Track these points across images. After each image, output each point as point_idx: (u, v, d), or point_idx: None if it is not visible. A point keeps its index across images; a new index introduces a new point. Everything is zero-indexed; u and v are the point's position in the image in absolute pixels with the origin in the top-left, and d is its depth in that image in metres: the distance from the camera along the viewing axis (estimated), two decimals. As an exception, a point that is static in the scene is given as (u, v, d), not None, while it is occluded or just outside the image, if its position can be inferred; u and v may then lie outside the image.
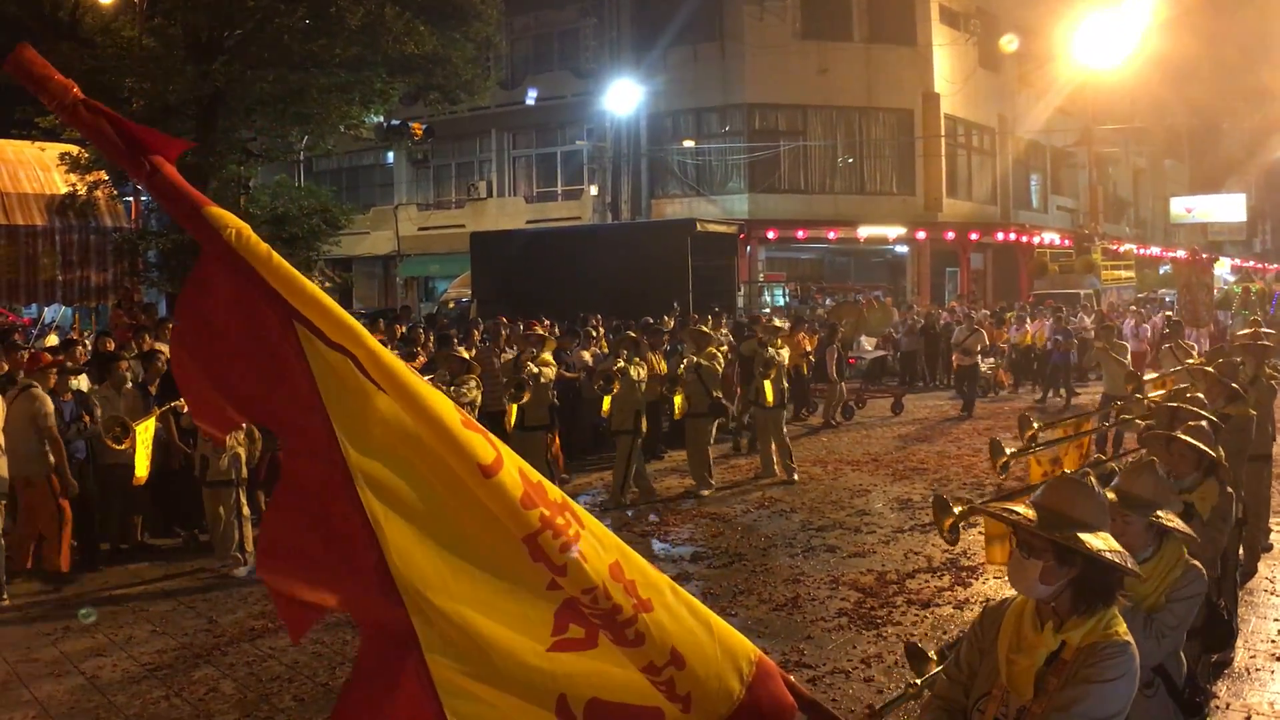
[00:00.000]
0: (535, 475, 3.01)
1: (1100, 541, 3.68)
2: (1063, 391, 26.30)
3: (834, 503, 15.20)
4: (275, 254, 2.80)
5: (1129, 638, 3.71)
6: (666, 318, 19.31)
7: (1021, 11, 42.07)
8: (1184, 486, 6.54)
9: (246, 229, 2.79)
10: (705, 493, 15.87)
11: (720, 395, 16.36)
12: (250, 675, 8.93)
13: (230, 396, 2.85)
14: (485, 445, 2.89)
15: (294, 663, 9.13)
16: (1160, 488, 4.99)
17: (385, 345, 2.91)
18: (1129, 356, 19.81)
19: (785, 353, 17.31)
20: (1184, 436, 6.62)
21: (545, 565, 2.91)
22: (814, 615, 10.18)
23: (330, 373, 2.78)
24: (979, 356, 23.05)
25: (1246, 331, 14.65)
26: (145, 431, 11.77)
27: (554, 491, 3.04)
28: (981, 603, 10.39)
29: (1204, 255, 35.43)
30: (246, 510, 12.24)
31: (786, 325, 19.34)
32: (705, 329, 17.31)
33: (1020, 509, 3.82)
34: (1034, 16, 42.15)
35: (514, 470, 2.91)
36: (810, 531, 13.50)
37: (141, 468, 11.85)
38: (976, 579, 11.21)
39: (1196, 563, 5.07)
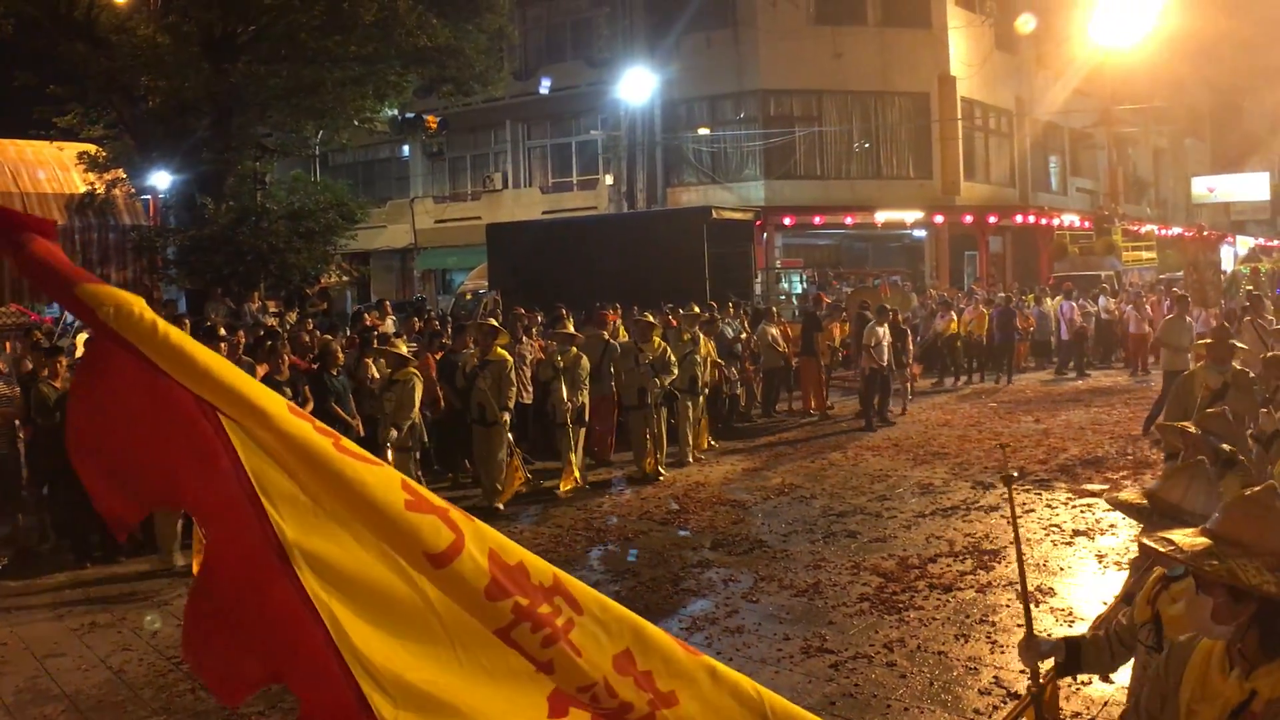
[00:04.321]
0: (515, 555, 2.76)
1: None
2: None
3: (854, 488, 15.21)
4: (166, 327, 2.58)
5: None
6: (649, 313, 19.12)
7: (1037, -8, 41.87)
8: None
9: (129, 303, 2.57)
10: (660, 474, 16.27)
11: (665, 383, 16.61)
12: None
13: (134, 486, 2.65)
14: (438, 528, 2.66)
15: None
16: (1210, 496, 4.46)
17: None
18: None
19: (707, 345, 18.25)
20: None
21: (526, 658, 2.69)
22: (835, 601, 10.19)
23: (255, 447, 2.60)
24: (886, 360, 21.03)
25: None
26: None
27: (541, 573, 2.78)
28: (1004, 586, 10.42)
29: (1210, 233, 35.15)
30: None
31: (704, 313, 19.19)
32: (650, 318, 17.45)
33: (1182, 537, 3.34)
34: (1050, -3, 41.97)
35: (479, 554, 2.68)
36: (831, 517, 13.51)
37: None
38: (999, 563, 11.21)
39: None
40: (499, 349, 14.73)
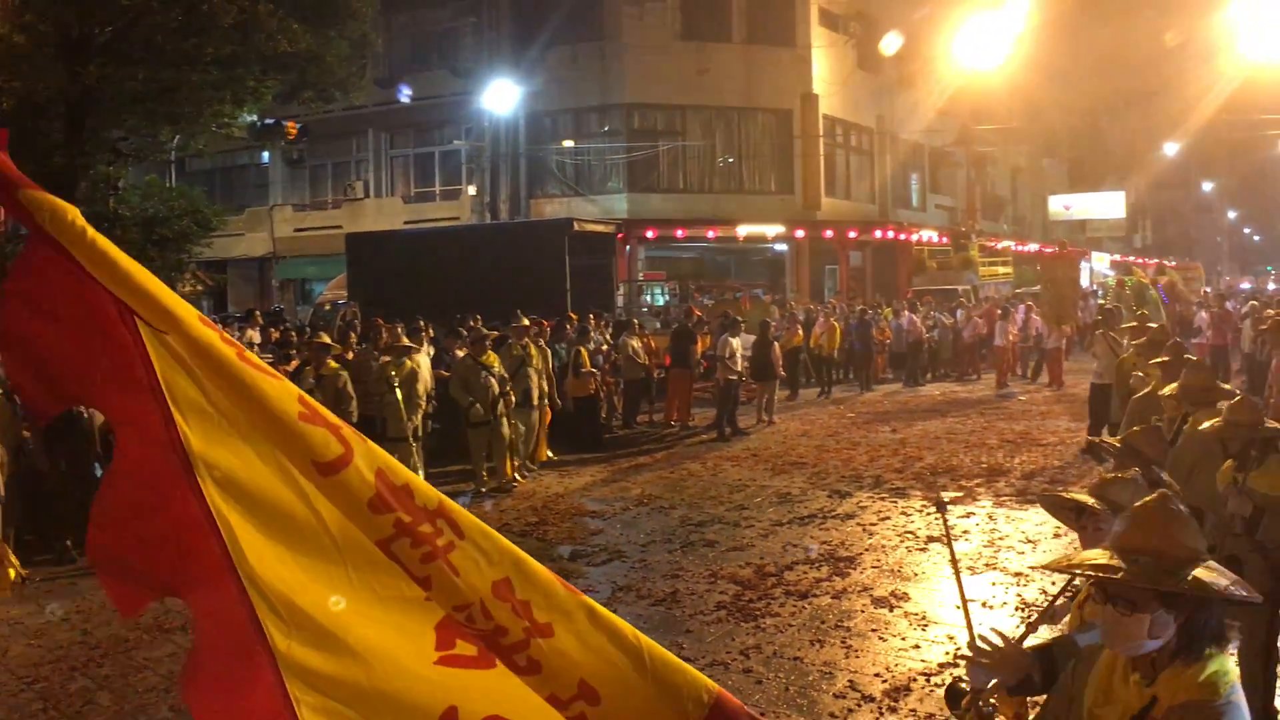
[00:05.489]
0: (403, 477, 2.86)
1: (1212, 574, 3.15)
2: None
3: (713, 498, 15.26)
4: (95, 234, 2.72)
5: (1235, 697, 3.10)
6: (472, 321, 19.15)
7: (900, 14, 42.54)
8: None
9: (64, 209, 2.73)
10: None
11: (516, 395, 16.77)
12: (126, 686, 8.75)
13: (53, 381, 2.78)
14: (328, 440, 2.78)
15: (170, 674, 8.95)
16: (1138, 496, 4.71)
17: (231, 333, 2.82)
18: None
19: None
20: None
21: (408, 575, 2.77)
22: (693, 609, 10.20)
23: (169, 357, 2.70)
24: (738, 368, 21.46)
25: None
26: None
27: (426, 496, 2.88)
28: (858, 592, 10.53)
29: (1070, 249, 35.87)
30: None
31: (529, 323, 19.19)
32: (526, 320, 17.94)
33: (1103, 557, 3.26)
34: (912, 20, 42.68)
35: (366, 469, 2.79)
36: (689, 527, 13.53)
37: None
38: (854, 569, 11.32)
39: None
40: (331, 363, 14.51)
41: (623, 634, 2.94)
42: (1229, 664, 3.17)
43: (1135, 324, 16.47)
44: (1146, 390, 11.19)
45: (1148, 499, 3.40)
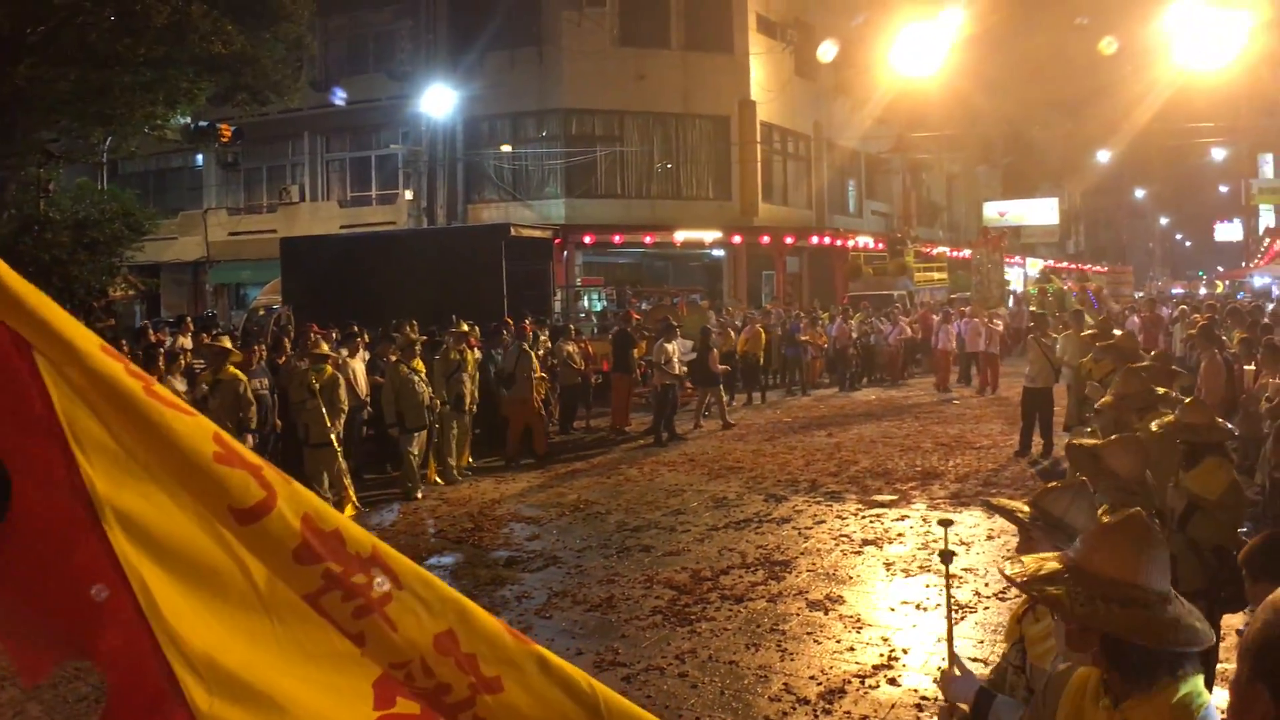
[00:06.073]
0: (332, 521, 2.62)
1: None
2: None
3: (650, 503, 15.24)
4: None
5: None
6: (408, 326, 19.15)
7: (837, 22, 42.85)
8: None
9: None
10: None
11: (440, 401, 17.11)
12: (56, 697, 8.59)
13: None
14: (248, 484, 2.53)
15: (100, 683, 8.78)
16: (1090, 516, 4.32)
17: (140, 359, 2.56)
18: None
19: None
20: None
21: (338, 630, 2.56)
22: (629, 614, 10.18)
23: (70, 393, 2.45)
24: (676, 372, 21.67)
25: None
26: None
27: (359, 543, 2.64)
28: (794, 595, 10.53)
29: (993, 234, 36.25)
30: None
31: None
32: (466, 327, 18.30)
33: (1033, 560, 3.27)
34: (850, 28, 43.00)
35: (291, 515, 2.55)
36: (626, 532, 13.52)
37: None
38: (789, 573, 11.34)
39: None
40: (231, 368, 14.18)
41: (577, 685, 2.80)
42: (1200, 685, 3.04)
43: (1095, 329, 16.55)
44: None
45: (1115, 520, 3.29)
